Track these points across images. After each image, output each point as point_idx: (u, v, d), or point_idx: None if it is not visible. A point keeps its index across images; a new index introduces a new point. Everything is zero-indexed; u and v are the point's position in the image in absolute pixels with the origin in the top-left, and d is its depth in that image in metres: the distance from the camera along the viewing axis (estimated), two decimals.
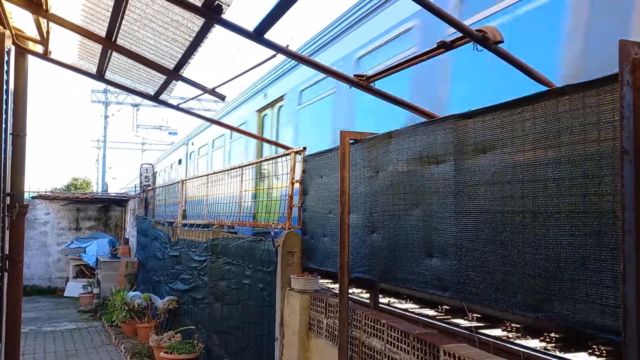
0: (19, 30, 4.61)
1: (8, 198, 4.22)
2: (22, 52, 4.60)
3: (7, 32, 3.91)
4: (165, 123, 37.26)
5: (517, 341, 5.55)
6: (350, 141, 4.41)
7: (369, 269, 4.24)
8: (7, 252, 4.29)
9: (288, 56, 3.58)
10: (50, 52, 4.91)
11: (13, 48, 4.38)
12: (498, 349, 4.25)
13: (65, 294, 15.74)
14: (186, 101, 6.15)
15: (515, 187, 2.82)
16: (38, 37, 4.73)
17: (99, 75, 5.28)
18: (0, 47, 3.63)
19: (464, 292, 3.18)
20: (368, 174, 4.31)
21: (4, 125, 3.73)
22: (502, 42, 2.50)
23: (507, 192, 2.87)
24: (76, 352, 9.70)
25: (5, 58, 3.82)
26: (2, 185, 3.81)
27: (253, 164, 7.26)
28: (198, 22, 3.55)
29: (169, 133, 37.81)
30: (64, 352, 9.68)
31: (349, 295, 4.38)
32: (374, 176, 4.21)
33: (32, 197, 16.85)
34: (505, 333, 6.29)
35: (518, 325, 6.60)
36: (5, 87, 3.72)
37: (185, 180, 11.83)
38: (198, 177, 11.01)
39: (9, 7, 4.24)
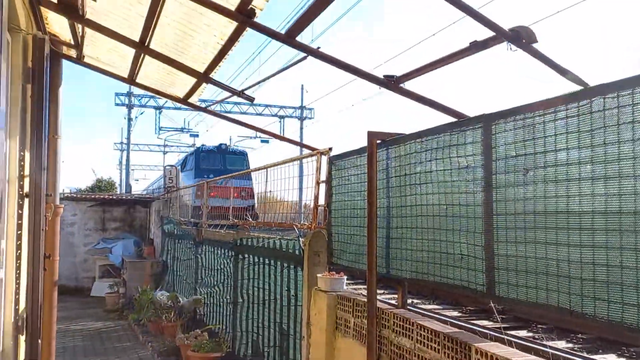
0: (55, 35, 4.75)
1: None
2: (57, 56, 4.73)
3: (47, 38, 4.03)
4: (187, 125, 37.59)
5: (544, 342, 5.51)
6: (378, 141, 4.43)
7: (397, 269, 4.26)
8: (44, 251, 4.42)
9: (319, 58, 3.63)
10: (83, 56, 5.04)
11: (50, 52, 4.51)
12: (526, 349, 4.24)
13: (91, 294, 16.00)
14: (214, 103, 6.24)
15: (549, 187, 2.82)
16: (72, 42, 4.86)
17: (131, 79, 5.40)
18: (40, 52, 3.75)
19: (497, 292, 3.19)
20: (395, 174, 4.33)
21: (44, 128, 3.85)
22: (536, 41, 2.51)
23: (539, 193, 2.87)
24: (104, 350, 9.88)
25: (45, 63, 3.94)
26: (42, 186, 3.93)
27: (279, 164, 7.32)
28: (230, 26, 3.61)
29: (190, 135, 38.19)
30: (93, 350, 9.87)
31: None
32: (402, 176, 4.23)
33: (60, 198, 17.15)
34: (531, 334, 6.26)
35: (544, 326, 6.56)
36: (45, 90, 3.84)
37: (208, 181, 11.96)
38: (221, 178, 11.12)
39: (45, 13, 4.38)
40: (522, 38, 2.52)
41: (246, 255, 7.66)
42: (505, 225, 3.12)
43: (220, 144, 19.50)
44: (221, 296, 8.76)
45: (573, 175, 2.69)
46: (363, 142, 4.51)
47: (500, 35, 2.57)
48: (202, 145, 20.69)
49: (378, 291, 6.68)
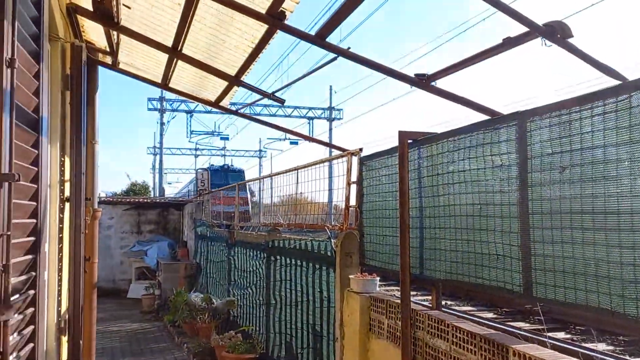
0: (91, 42, 4.88)
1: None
2: (94, 63, 4.86)
3: (84, 45, 4.15)
4: (217, 128, 38.07)
5: (583, 344, 5.38)
6: (409, 141, 4.40)
7: (431, 269, 4.22)
8: (84, 253, 4.54)
9: (349, 59, 3.63)
10: (119, 62, 5.16)
11: (86, 60, 4.63)
12: (565, 351, 4.14)
13: (128, 296, 16.32)
14: (244, 106, 6.31)
15: (586, 185, 2.75)
16: (108, 49, 4.99)
17: (164, 84, 5.50)
18: (78, 59, 3.86)
19: (535, 293, 3.13)
20: (427, 173, 4.30)
21: (82, 134, 3.96)
22: (572, 36, 2.46)
23: (577, 191, 2.81)
24: (141, 350, 10.09)
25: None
26: (81, 190, 4.04)
27: (309, 165, 7.35)
28: (261, 28, 3.65)
29: (221, 138, 38.69)
30: (130, 351, 10.09)
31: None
32: (434, 176, 4.19)
33: (98, 202, 17.54)
34: (569, 336, 6.13)
35: (582, 328, 6.40)
36: (83, 97, 3.95)
37: (239, 184, 12.10)
38: (254, 180, 11.23)
39: (82, 21, 4.51)
40: (557, 33, 2.47)
41: (278, 257, 7.70)
42: (541, 224, 3.06)
43: (224, 165, 26.25)
44: (254, 298, 8.83)
45: (612, 173, 2.62)
46: (394, 142, 4.49)
47: (534, 30, 2.52)
48: (211, 165, 27.63)
49: (411, 292, 6.65)
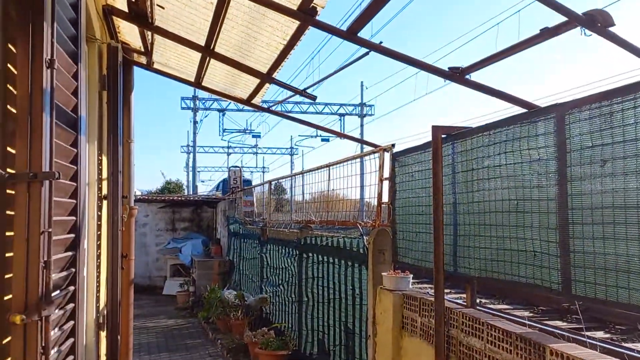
0: (126, 43, 4.97)
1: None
2: (129, 64, 4.96)
3: (119, 46, 4.23)
4: (249, 126, 38.33)
5: (624, 344, 5.21)
6: (443, 136, 4.34)
7: (465, 267, 4.16)
8: (121, 251, 4.63)
9: (382, 53, 3.60)
10: (153, 62, 5.24)
11: (122, 60, 4.72)
12: (606, 351, 4.02)
13: (163, 292, 16.61)
14: (276, 104, 6.33)
15: (630, 179, 2.66)
16: (142, 49, 5.07)
17: (197, 83, 5.56)
18: (114, 60, 3.93)
19: (574, 291, 3.05)
20: (461, 169, 4.23)
21: (119, 133, 4.04)
22: (614, 25, 2.37)
23: (619, 185, 2.72)
24: (176, 346, 10.27)
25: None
26: (118, 189, 4.13)
27: (341, 162, 7.34)
28: (293, 25, 3.65)
29: (253, 136, 38.98)
30: (165, 346, 10.28)
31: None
32: (469, 171, 4.12)
33: (134, 200, 17.91)
34: (609, 335, 5.94)
35: (623, 327, 6.19)
36: (119, 97, 4.03)
37: (272, 181, 12.19)
38: (284, 177, 11.28)
39: (117, 22, 4.60)
40: (597, 22, 2.39)
41: (310, 254, 7.72)
42: (581, 220, 2.98)
43: None
44: (286, 295, 8.88)
45: None
46: (426, 138, 4.43)
47: (574, 20, 2.44)
48: (225, 179, 29.73)
49: (444, 290, 6.57)
